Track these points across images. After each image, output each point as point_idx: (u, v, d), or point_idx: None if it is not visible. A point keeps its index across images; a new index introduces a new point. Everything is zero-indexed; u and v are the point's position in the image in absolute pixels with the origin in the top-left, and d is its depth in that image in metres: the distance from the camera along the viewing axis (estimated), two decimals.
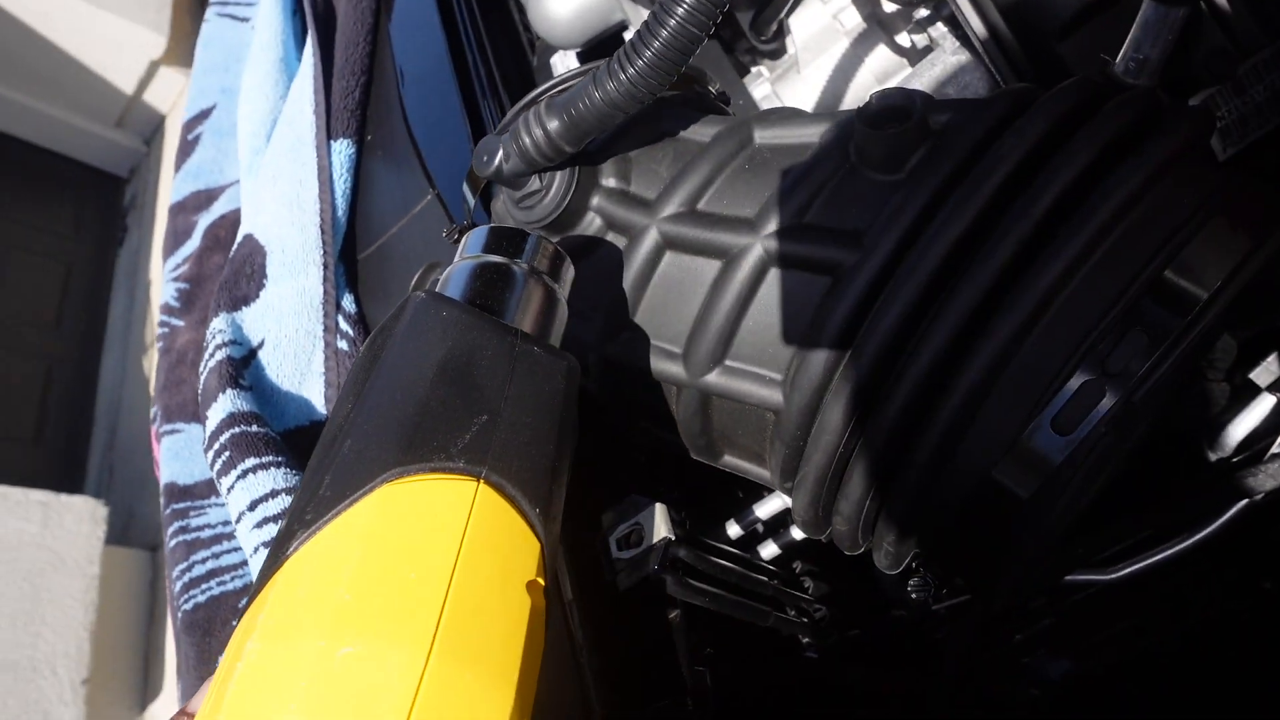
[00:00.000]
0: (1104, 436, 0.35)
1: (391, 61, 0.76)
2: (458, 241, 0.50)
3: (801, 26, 0.74)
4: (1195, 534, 0.62)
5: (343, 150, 0.69)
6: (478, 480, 0.30)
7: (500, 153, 0.40)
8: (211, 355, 0.57)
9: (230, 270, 0.63)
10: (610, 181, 0.43)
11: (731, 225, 0.39)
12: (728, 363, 0.41)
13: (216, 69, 1.01)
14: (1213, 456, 0.64)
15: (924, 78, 0.65)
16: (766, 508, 0.61)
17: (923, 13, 0.66)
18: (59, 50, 4.49)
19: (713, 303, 0.40)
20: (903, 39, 0.71)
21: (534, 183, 0.41)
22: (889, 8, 0.71)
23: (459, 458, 0.30)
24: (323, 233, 0.64)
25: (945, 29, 0.65)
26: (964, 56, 0.63)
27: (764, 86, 0.77)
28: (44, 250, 4.66)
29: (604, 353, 0.43)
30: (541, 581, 0.31)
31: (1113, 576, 0.63)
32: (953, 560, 0.42)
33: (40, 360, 4.37)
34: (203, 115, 0.99)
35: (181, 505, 0.67)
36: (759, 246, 0.38)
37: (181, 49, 4.76)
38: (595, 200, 0.43)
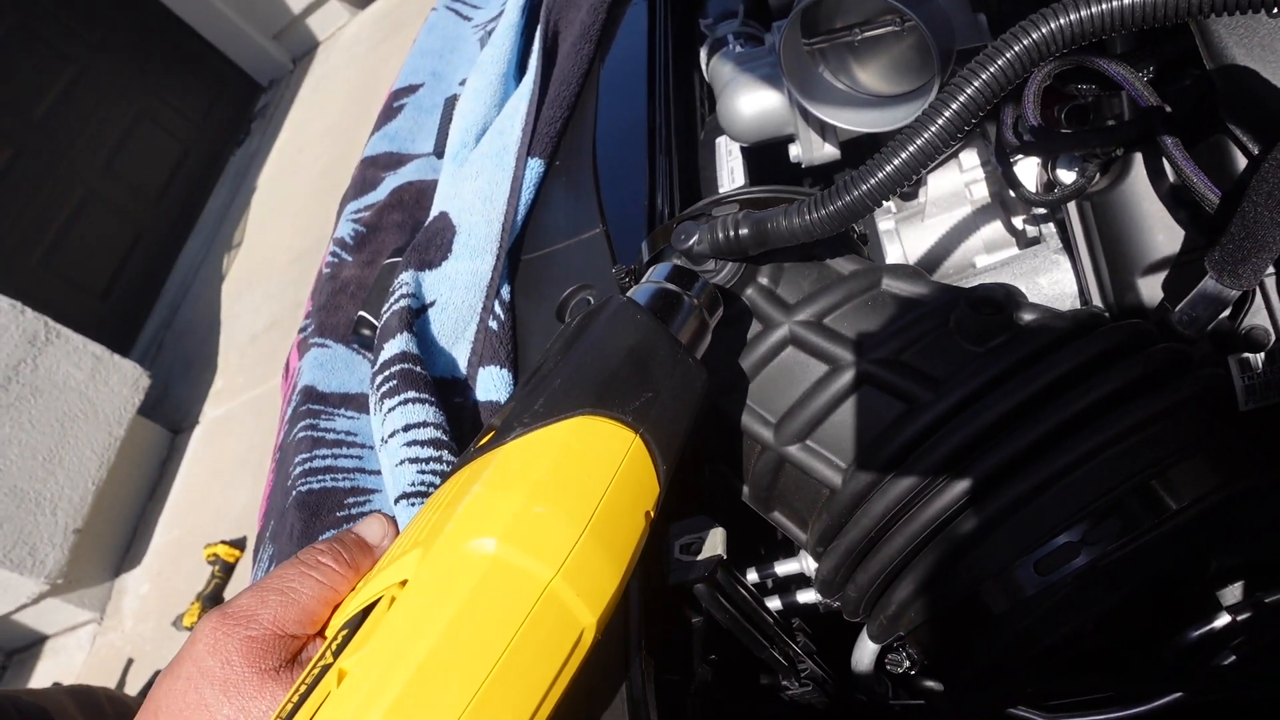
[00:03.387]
0: (1068, 587, 0.46)
1: (595, 104, 0.90)
2: (623, 279, 0.63)
3: (937, 185, 0.86)
4: (1129, 709, 0.72)
5: (535, 167, 0.83)
6: (636, 433, 0.43)
7: (696, 237, 0.53)
8: (396, 300, 0.71)
9: (424, 236, 0.77)
10: (764, 280, 0.55)
11: (845, 343, 0.52)
12: (808, 442, 0.53)
13: (432, 54, 1.16)
14: (1169, 651, 0.74)
15: (1025, 264, 0.77)
16: (785, 568, 0.73)
17: (1041, 210, 0.78)
18: None
19: (812, 395, 0.52)
20: (1018, 222, 0.83)
21: (710, 263, 0.54)
22: (1014, 194, 0.83)
23: (629, 415, 0.43)
24: (503, 231, 0.77)
25: (1054, 229, 0.77)
26: (1062, 258, 0.75)
27: (889, 222, 0.89)
28: (170, 127, 4.94)
29: (717, 402, 0.55)
30: (653, 514, 0.44)
31: None
32: (931, 646, 0.53)
33: (132, 225, 4.62)
34: (410, 89, 1.14)
35: (316, 407, 0.80)
36: (861, 365, 0.51)
37: None
38: (749, 291, 0.55)
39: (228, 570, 2.87)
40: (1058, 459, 0.45)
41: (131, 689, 2.86)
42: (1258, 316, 0.59)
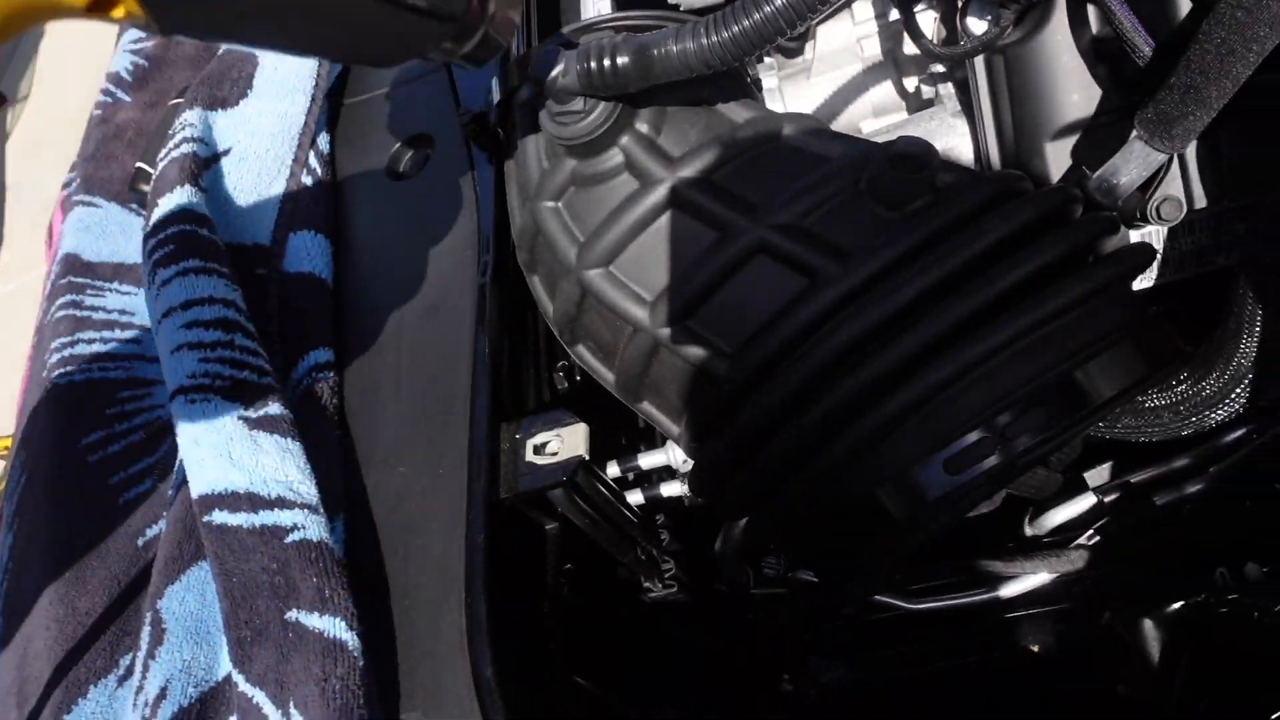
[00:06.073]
0: (980, 487, 0.40)
1: None
2: (469, 125, 0.52)
3: (826, 39, 0.77)
4: (990, 591, 0.71)
5: None
6: None
7: (561, 67, 0.41)
8: (177, 145, 0.56)
9: (217, 67, 0.61)
10: (643, 127, 0.45)
11: (738, 205, 0.43)
12: (689, 323, 0.44)
13: None
14: (1029, 532, 0.73)
15: (918, 127, 0.69)
16: (650, 460, 0.66)
17: (939, 68, 0.70)
18: None
19: (697, 268, 0.43)
20: (910, 83, 0.76)
21: (577, 103, 0.43)
22: (910, 50, 0.75)
23: None
24: (319, 65, 0.63)
25: (953, 90, 0.70)
26: (960, 122, 0.68)
27: (772, 79, 0.80)
28: None
29: (582, 277, 0.45)
30: None
31: (914, 606, 0.72)
32: (815, 552, 0.48)
33: None
34: None
35: (80, 280, 0.65)
36: (757, 232, 0.42)
37: None
38: (624, 139, 0.45)
39: None
40: (981, 343, 0.38)
41: None
42: (1170, 187, 0.54)
